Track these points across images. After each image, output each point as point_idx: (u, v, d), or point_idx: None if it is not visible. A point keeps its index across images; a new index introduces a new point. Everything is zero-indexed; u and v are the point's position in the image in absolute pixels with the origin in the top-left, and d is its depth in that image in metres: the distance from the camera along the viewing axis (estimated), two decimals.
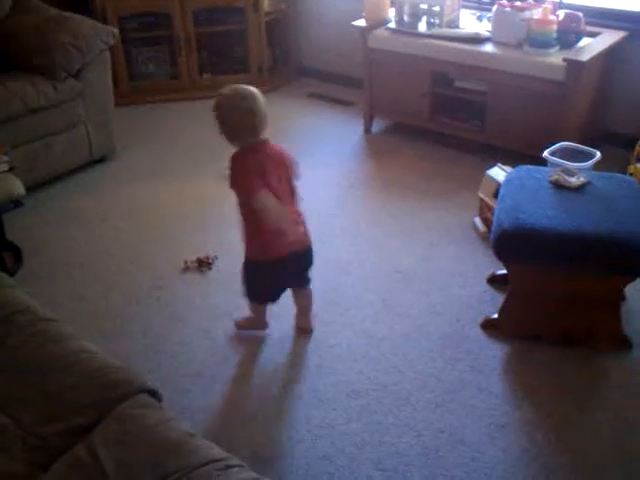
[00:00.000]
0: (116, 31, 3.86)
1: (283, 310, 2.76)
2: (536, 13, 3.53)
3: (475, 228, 3.24)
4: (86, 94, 3.75)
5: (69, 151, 3.77)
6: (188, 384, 2.45)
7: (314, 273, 2.99)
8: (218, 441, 2.10)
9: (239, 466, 1.53)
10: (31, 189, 3.36)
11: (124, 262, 3.13)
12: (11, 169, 2.96)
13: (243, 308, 2.69)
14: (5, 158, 2.97)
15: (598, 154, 3.00)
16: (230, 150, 2.34)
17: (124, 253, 3.19)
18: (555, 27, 3.45)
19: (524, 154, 3.47)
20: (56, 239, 3.32)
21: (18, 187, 2.91)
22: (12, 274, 2.99)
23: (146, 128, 4.38)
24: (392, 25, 3.97)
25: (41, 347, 1.87)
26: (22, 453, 1.60)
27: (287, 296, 2.79)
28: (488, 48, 3.62)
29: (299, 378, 2.45)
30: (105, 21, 4.38)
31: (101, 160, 4.01)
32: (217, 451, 1.57)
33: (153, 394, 1.80)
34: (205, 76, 4.92)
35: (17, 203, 3.00)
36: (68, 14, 3.83)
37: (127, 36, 4.67)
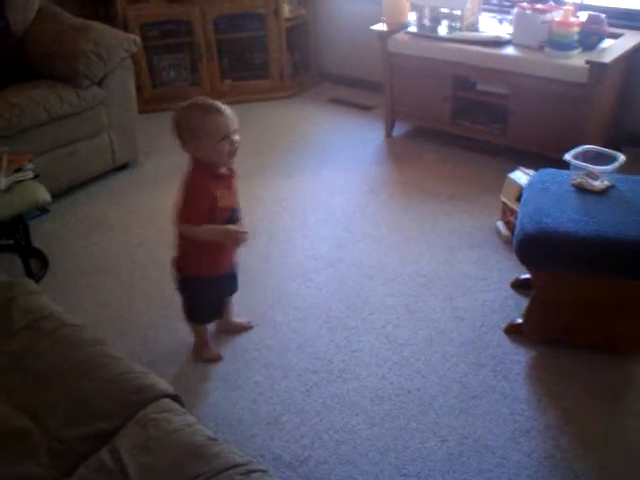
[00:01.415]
0: (138, 39, 3.90)
1: (304, 315, 2.77)
2: (557, 15, 3.51)
3: (498, 232, 3.22)
4: (109, 102, 3.79)
5: (92, 158, 3.81)
6: (210, 389, 2.46)
7: (336, 277, 2.99)
8: (240, 446, 2.12)
9: (261, 471, 1.53)
10: (56, 196, 3.39)
11: (147, 269, 3.15)
12: (36, 176, 3.00)
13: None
14: (30, 166, 3.01)
15: (622, 157, 2.96)
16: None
17: (147, 260, 3.21)
18: (577, 29, 3.43)
19: (546, 157, 3.44)
20: (81, 245, 3.36)
21: (43, 194, 2.94)
22: (38, 280, 3.03)
23: (169, 135, 4.38)
24: (412, 29, 3.97)
25: (65, 352, 1.89)
26: (46, 457, 1.62)
27: (313, 302, 2.80)
28: (509, 51, 3.61)
29: (322, 383, 2.45)
30: (127, 29, 4.43)
31: (124, 167, 4.05)
32: (239, 456, 1.58)
33: (176, 399, 1.81)
34: (226, 82, 4.95)
35: (42, 210, 3.03)
36: (90, 23, 3.87)
37: (149, 44, 4.71)
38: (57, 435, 1.67)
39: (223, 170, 2.31)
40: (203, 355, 2.59)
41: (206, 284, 2.45)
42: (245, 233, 2.32)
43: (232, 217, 2.34)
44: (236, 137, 2.23)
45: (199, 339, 2.61)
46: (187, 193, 2.26)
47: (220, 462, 1.54)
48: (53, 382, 1.81)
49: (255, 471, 1.52)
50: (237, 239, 2.33)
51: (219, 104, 2.22)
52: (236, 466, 1.53)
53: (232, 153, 2.24)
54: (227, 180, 2.32)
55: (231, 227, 2.31)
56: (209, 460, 1.54)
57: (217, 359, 2.58)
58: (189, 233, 2.31)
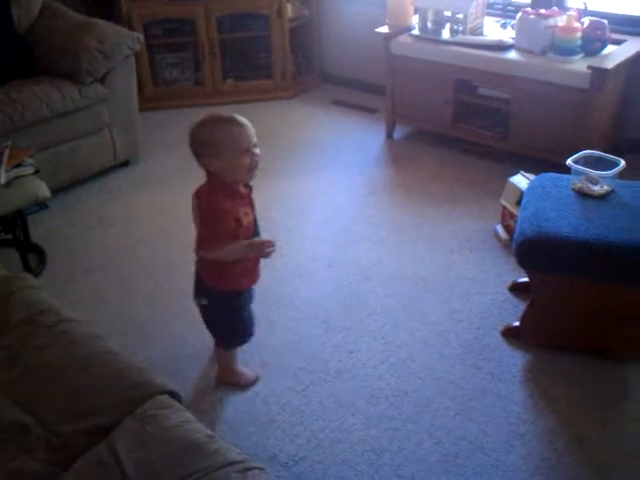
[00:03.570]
0: (141, 37, 3.90)
1: (302, 315, 2.77)
2: (560, 20, 3.52)
3: (497, 235, 3.22)
4: (111, 99, 3.79)
5: (94, 155, 3.81)
6: (207, 387, 2.46)
7: (335, 278, 3.00)
8: (235, 444, 2.12)
9: (258, 469, 1.54)
10: (56, 192, 3.40)
11: (147, 266, 3.15)
12: (36, 172, 3.01)
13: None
14: (30, 161, 3.02)
15: (622, 162, 2.97)
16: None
17: (147, 257, 3.22)
18: (579, 34, 3.43)
19: (547, 162, 3.45)
20: (80, 241, 3.36)
21: (43, 190, 2.94)
22: (36, 276, 3.03)
23: (170, 133, 4.41)
24: (415, 32, 3.97)
25: (64, 347, 1.90)
26: (44, 452, 1.62)
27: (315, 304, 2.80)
28: (512, 55, 3.61)
29: (318, 383, 2.45)
30: (130, 27, 4.43)
31: (125, 164, 4.06)
32: (237, 453, 1.58)
33: (174, 396, 1.81)
34: (228, 82, 4.95)
35: (42, 205, 3.04)
36: (94, 20, 3.88)
37: (152, 42, 4.72)
38: (55, 429, 1.67)
39: (242, 189, 2.16)
40: (241, 381, 2.45)
41: (245, 295, 2.33)
42: (270, 242, 2.14)
43: (256, 231, 2.25)
44: (257, 150, 2.09)
45: (232, 365, 2.45)
46: (208, 218, 2.12)
47: (218, 459, 1.54)
48: (51, 377, 1.81)
49: (252, 469, 1.52)
50: (263, 251, 2.14)
51: (239, 116, 2.09)
52: (233, 463, 1.53)
53: (253, 168, 2.09)
54: (247, 197, 2.19)
55: (256, 240, 2.17)
56: (207, 457, 1.55)
57: (257, 380, 2.48)
58: (212, 257, 2.17)
